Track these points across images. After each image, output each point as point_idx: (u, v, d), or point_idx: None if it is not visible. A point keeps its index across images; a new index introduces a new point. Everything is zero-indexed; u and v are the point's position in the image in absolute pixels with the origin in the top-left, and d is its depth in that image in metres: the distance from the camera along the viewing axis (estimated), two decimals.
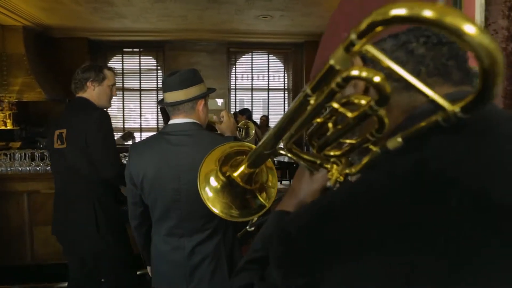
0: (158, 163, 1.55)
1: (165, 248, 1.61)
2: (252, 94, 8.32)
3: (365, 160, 0.49)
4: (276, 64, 8.39)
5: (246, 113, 4.70)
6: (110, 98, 2.28)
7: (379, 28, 0.33)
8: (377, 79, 0.37)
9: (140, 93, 7.84)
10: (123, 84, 7.78)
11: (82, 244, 2.16)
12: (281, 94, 8.44)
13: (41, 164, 3.64)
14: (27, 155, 3.71)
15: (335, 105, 0.46)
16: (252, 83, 8.30)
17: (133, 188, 1.62)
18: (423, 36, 0.47)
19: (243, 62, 8.28)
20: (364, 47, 0.36)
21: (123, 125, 7.84)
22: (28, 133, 6.32)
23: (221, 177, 0.85)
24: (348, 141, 0.51)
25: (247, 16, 6.40)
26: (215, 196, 0.85)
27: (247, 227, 0.93)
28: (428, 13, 0.29)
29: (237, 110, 5.17)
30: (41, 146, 5.13)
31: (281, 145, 0.66)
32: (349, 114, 0.45)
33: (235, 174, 0.82)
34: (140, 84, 7.87)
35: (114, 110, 7.83)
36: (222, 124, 1.88)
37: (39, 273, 3.45)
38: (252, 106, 8.21)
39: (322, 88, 0.43)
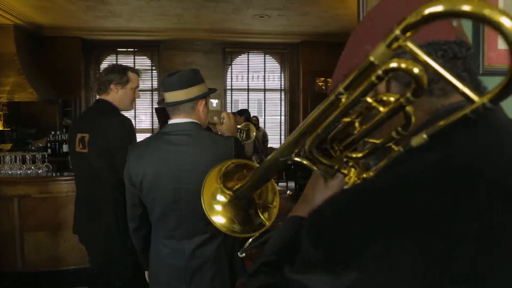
0: (158, 163, 1.54)
1: (165, 251, 1.59)
2: (248, 95, 8.23)
3: (383, 162, 0.51)
4: (272, 64, 8.31)
5: (244, 113, 4.60)
6: (133, 101, 2.26)
7: (422, 25, 0.37)
8: (416, 70, 0.40)
9: None
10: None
11: (102, 245, 2.20)
12: (277, 94, 8.37)
13: (33, 167, 3.52)
14: (18, 158, 3.58)
15: (369, 99, 0.49)
16: (248, 83, 8.21)
17: (132, 189, 1.60)
18: (440, 50, 0.52)
19: (239, 63, 8.20)
20: (405, 43, 0.39)
21: None
22: (19, 135, 6.16)
23: (227, 192, 0.85)
24: (371, 140, 0.53)
25: (244, 16, 6.32)
26: (222, 211, 0.86)
27: (239, 253, 0.92)
28: (466, 7, 0.33)
29: (236, 111, 5.07)
30: (33, 148, 4.99)
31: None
32: (382, 109, 0.48)
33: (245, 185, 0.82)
34: None
35: None
36: (222, 125, 1.88)
37: (30, 281, 3.34)
38: (248, 107, 8.13)
39: (357, 85, 0.45)
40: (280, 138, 8.37)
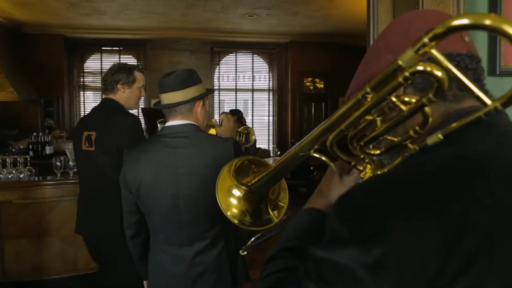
0: (155, 167, 1.50)
1: (164, 258, 1.55)
2: (236, 95, 8.13)
3: (398, 159, 0.57)
4: (261, 64, 8.23)
5: (237, 114, 4.51)
6: (139, 100, 2.30)
7: (448, 35, 0.42)
8: (439, 73, 0.45)
9: None
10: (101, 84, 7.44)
11: (105, 246, 2.19)
12: (265, 94, 8.29)
13: (14, 172, 3.35)
14: None
15: (394, 98, 0.54)
16: (236, 83, 8.11)
17: (128, 195, 1.56)
18: (454, 61, 0.57)
19: (227, 62, 8.09)
20: (430, 50, 0.43)
21: None
22: None
23: (242, 187, 0.89)
24: (390, 138, 0.59)
25: (233, 15, 6.21)
26: (236, 204, 0.90)
27: (240, 251, 0.94)
28: (488, 21, 0.39)
29: (228, 110, 4.98)
30: (14, 150, 4.78)
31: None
32: (404, 107, 0.53)
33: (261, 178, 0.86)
34: None
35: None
36: (221, 127, 1.89)
37: None
38: (236, 107, 8.03)
39: (383, 85, 0.51)
40: (268, 139, 8.29)
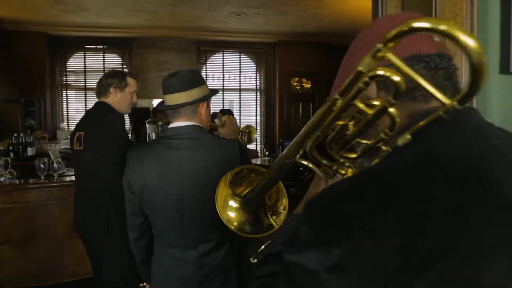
0: (159, 169, 1.49)
1: (169, 261, 1.54)
2: (223, 95, 8.05)
3: (375, 161, 0.58)
4: (248, 64, 8.17)
5: (228, 113, 4.45)
6: (131, 104, 2.39)
7: (399, 38, 0.44)
8: (396, 78, 0.47)
9: None
10: (85, 83, 7.29)
11: (94, 245, 2.25)
12: (252, 94, 8.23)
13: None
14: None
15: (360, 104, 0.55)
16: (223, 83, 8.03)
17: (132, 197, 1.55)
18: (423, 61, 0.59)
19: (214, 62, 8.00)
20: (387, 54, 0.45)
21: None
22: None
23: (237, 198, 0.91)
24: (363, 141, 0.61)
25: (220, 13, 6.13)
26: (235, 214, 0.92)
27: (251, 258, 0.92)
28: (443, 27, 0.40)
29: (219, 110, 4.92)
30: None
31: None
32: (369, 111, 0.55)
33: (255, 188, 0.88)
34: None
35: (74, 111, 7.34)
36: (224, 128, 1.88)
37: None
38: (223, 106, 7.96)
39: (349, 91, 0.52)
40: (256, 139, 8.22)
